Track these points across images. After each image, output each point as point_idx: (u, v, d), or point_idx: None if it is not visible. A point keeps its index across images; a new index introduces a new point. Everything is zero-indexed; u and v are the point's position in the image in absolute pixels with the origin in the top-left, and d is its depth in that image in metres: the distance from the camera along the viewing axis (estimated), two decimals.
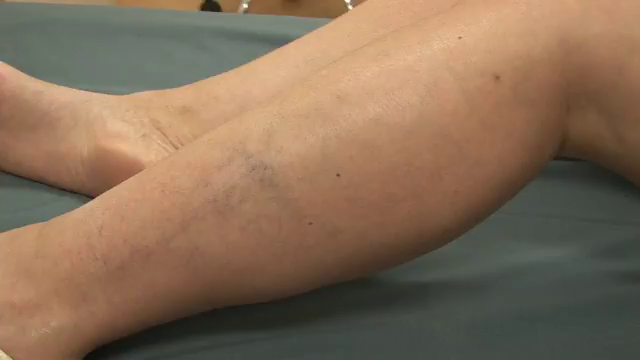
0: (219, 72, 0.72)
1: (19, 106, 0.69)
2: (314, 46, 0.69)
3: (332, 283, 0.52)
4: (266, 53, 0.72)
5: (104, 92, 0.72)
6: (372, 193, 0.48)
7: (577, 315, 0.56)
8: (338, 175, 0.48)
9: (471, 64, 0.48)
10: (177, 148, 0.67)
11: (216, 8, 2.22)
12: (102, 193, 0.53)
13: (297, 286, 0.51)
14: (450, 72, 0.48)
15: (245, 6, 2.15)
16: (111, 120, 0.68)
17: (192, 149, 0.51)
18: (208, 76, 0.71)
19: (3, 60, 0.70)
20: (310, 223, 0.48)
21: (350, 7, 2.09)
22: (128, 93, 0.72)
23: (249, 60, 0.72)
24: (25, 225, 0.53)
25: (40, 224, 0.53)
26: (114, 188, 0.52)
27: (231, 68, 0.71)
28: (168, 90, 0.71)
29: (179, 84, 0.72)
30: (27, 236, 0.52)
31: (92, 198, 0.53)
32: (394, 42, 0.50)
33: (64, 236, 0.50)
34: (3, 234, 0.53)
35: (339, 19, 0.71)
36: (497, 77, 0.48)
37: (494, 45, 0.48)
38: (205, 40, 0.94)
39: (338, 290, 0.55)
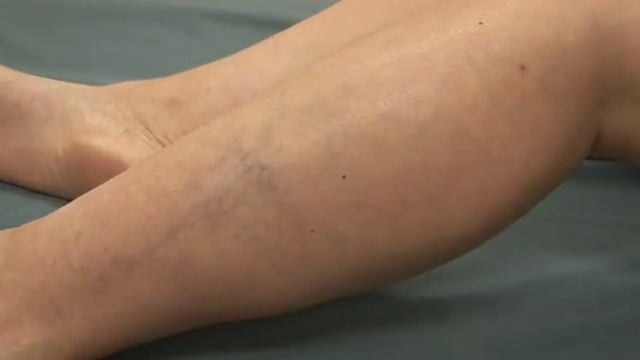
0: (211, 60, 0.72)
1: None
2: (317, 31, 0.69)
3: (337, 297, 0.52)
4: (264, 39, 0.72)
5: (82, 82, 0.73)
6: (382, 197, 0.48)
7: (610, 333, 0.57)
8: (344, 177, 0.48)
9: (493, 53, 0.48)
10: (164, 145, 0.67)
11: None
12: (79, 195, 0.53)
13: (298, 300, 0.51)
14: (470, 62, 0.48)
15: None
16: (89, 113, 0.68)
17: (181, 147, 0.51)
18: (199, 64, 0.72)
19: None
20: (312, 230, 0.48)
21: None
22: (109, 83, 0.72)
23: (245, 46, 0.72)
24: None
25: (10, 230, 0.53)
26: (93, 190, 0.52)
27: (224, 55, 0.72)
28: (154, 80, 0.72)
29: (166, 73, 0.72)
30: None
31: (68, 201, 0.54)
32: (407, 28, 0.50)
33: (37, 243, 0.51)
34: None
35: (346, 0, 0.71)
36: (522, 67, 0.48)
37: (519, 31, 0.49)
38: (196, 23, 0.94)
39: (344, 305, 0.55)
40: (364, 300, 0.56)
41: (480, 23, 0.49)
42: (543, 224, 0.66)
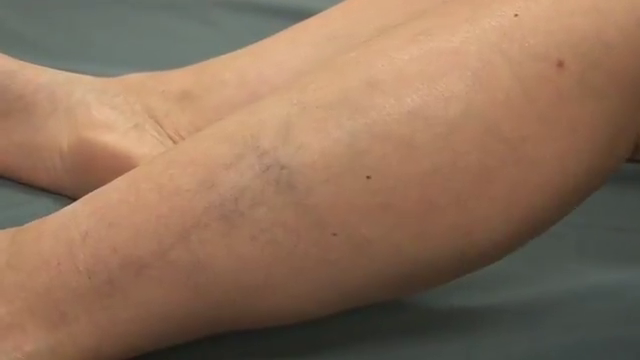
0: (225, 51, 0.72)
1: None
2: (340, 22, 0.69)
3: (360, 305, 0.52)
4: (281, 29, 0.72)
5: (88, 73, 0.73)
6: (408, 199, 0.48)
7: None
8: (368, 177, 0.48)
9: (529, 47, 0.48)
10: (175, 141, 0.68)
11: None
12: (85, 194, 0.53)
13: (318, 308, 0.51)
14: (503, 56, 0.48)
15: None
16: (97, 106, 0.69)
17: (194, 143, 0.51)
18: (212, 55, 0.72)
19: None
20: (334, 234, 0.48)
21: None
22: (117, 75, 0.72)
23: (261, 37, 0.72)
24: None
25: (12, 229, 0.53)
26: (101, 188, 0.53)
27: (239, 46, 0.72)
28: (165, 72, 0.72)
29: (177, 64, 0.73)
30: None
31: (73, 200, 0.54)
32: (437, 19, 0.50)
33: (41, 244, 0.51)
34: None
35: None
36: (560, 63, 0.48)
37: (557, 25, 0.48)
38: (209, 12, 0.94)
39: (367, 314, 0.55)
40: (389, 309, 0.56)
41: (515, 15, 0.49)
42: (577, 231, 0.66)
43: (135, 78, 0.71)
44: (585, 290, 0.62)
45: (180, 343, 0.53)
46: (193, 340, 0.53)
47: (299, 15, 0.75)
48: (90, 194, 0.53)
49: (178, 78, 0.70)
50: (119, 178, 0.52)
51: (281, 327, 0.53)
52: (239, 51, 0.71)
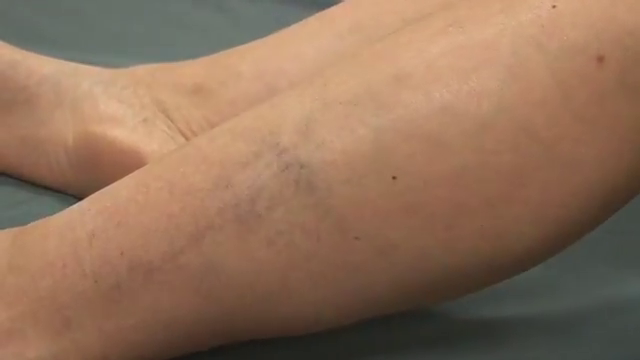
0: (241, 41, 0.72)
1: None
2: (364, 11, 0.69)
3: (382, 313, 0.52)
4: (301, 17, 0.72)
5: (96, 64, 0.73)
6: (436, 201, 0.48)
7: None
8: (394, 178, 0.48)
9: (567, 41, 0.48)
10: (187, 137, 0.68)
11: None
12: (90, 192, 0.53)
13: (337, 315, 0.51)
14: (540, 50, 0.48)
15: None
16: (104, 99, 0.69)
17: (208, 140, 0.51)
18: (227, 45, 0.72)
19: None
20: (356, 237, 0.48)
21: None
22: (126, 66, 0.72)
23: (280, 26, 0.72)
24: None
25: (14, 229, 0.54)
26: (109, 186, 0.53)
27: (256, 36, 0.72)
28: (177, 63, 0.72)
29: (190, 55, 0.73)
30: None
31: (78, 199, 0.54)
32: (470, 10, 0.50)
33: (45, 244, 0.51)
34: None
35: None
36: (600, 58, 0.48)
37: (598, 17, 0.48)
38: None
39: (390, 323, 0.55)
40: (415, 318, 0.56)
41: (553, 6, 0.48)
42: (617, 237, 0.65)
43: (145, 70, 0.71)
44: (625, 301, 0.61)
45: (190, 353, 0.53)
46: (205, 351, 0.53)
47: (321, 4, 0.75)
48: (97, 192, 0.53)
49: (190, 70, 0.70)
50: (128, 176, 0.52)
51: (297, 337, 0.53)
52: (256, 42, 0.71)
